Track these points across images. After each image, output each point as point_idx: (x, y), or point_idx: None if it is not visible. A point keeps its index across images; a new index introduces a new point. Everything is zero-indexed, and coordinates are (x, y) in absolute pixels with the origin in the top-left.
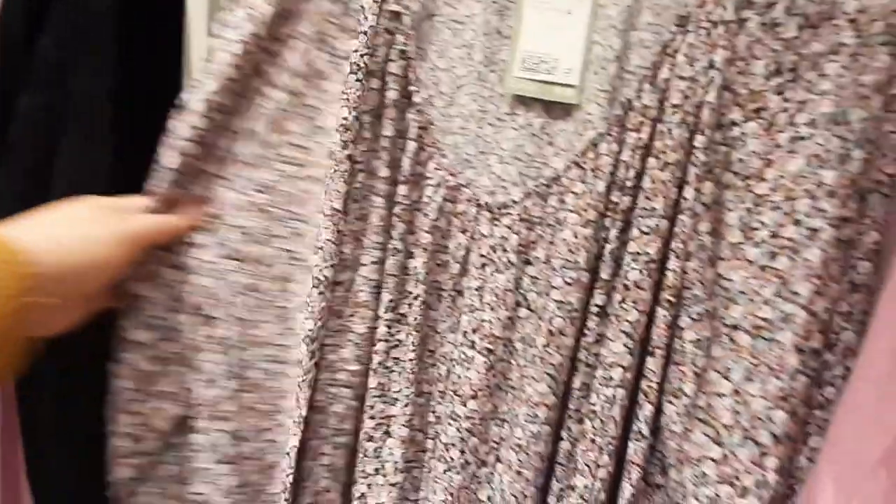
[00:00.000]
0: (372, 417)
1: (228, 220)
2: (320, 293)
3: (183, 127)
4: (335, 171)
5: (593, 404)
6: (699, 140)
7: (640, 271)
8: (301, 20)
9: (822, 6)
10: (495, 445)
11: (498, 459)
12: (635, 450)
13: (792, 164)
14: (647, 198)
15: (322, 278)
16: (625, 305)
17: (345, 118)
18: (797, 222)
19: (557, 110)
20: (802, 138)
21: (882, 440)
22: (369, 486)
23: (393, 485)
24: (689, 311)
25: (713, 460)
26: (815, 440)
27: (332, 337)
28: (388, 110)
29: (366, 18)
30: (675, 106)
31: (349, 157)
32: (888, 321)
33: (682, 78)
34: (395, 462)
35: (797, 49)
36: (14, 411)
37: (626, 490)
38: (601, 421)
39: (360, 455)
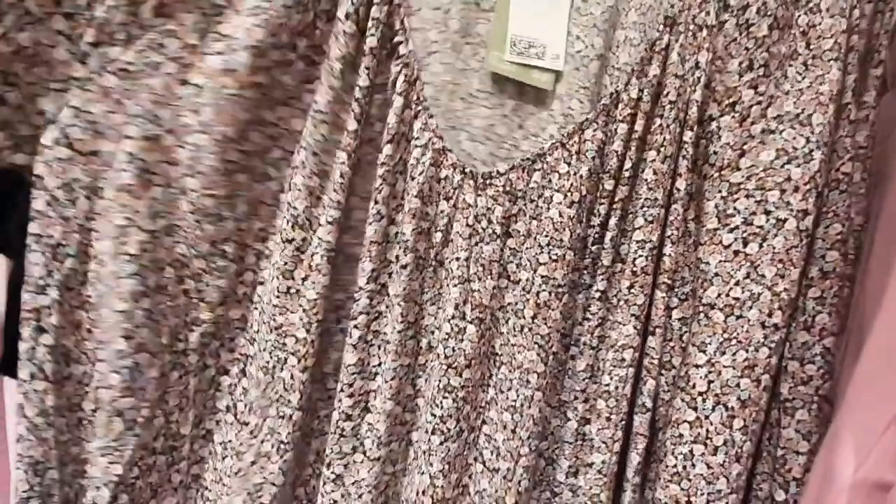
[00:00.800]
0: (351, 396)
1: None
2: (282, 249)
3: None
4: (232, 94)
5: (606, 385)
6: (688, 135)
7: (646, 258)
8: None
9: (785, 10)
10: (481, 410)
11: (483, 422)
12: (640, 422)
13: (764, 154)
14: (650, 188)
15: (288, 238)
16: (634, 290)
17: (260, 39)
18: (767, 212)
19: (530, 94)
20: (772, 132)
21: (892, 406)
22: (346, 465)
23: (374, 460)
24: (677, 293)
25: (688, 423)
26: (801, 411)
27: (280, 298)
28: (366, 56)
29: None
30: (671, 102)
31: (326, 111)
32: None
33: (676, 76)
34: (378, 437)
35: (768, 47)
36: None
37: (634, 459)
38: (616, 400)
39: (336, 436)
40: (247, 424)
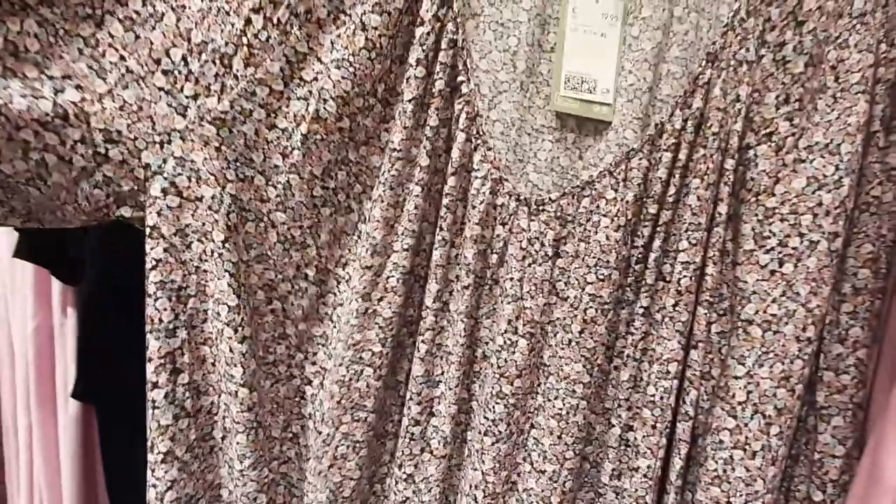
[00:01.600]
0: (418, 403)
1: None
2: (360, 277)
3: None
4: (321, 139)
5: (651, 395)
6: (729, 163)
7: (690, 277)
8: None
9: (819, 49)
10: (530, 415)
11: (532, 426)
12: (683, 429)
13: (796, 182)
14: (694, 213)
15: (367, 265)
16: (678, 308)
17: (345, 89)
18: (801, 235)
19: (589, 127)
20: (803, 161)
21: None
22: (416, 465)
23: (440, 458)
24: (716, 309)
25: (728, 430)
26: (836, 417)
27: (358, 318)
28: (436, 98)
29: (422, 22)
30: (714, 133)
31: (397, 147)
32: None
33: (718, 109)
34: (443, 438)
35: (803, 82)
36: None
37: (677, 464)
38: (661, 409)
39: (406, 440)
40: (321, 433)
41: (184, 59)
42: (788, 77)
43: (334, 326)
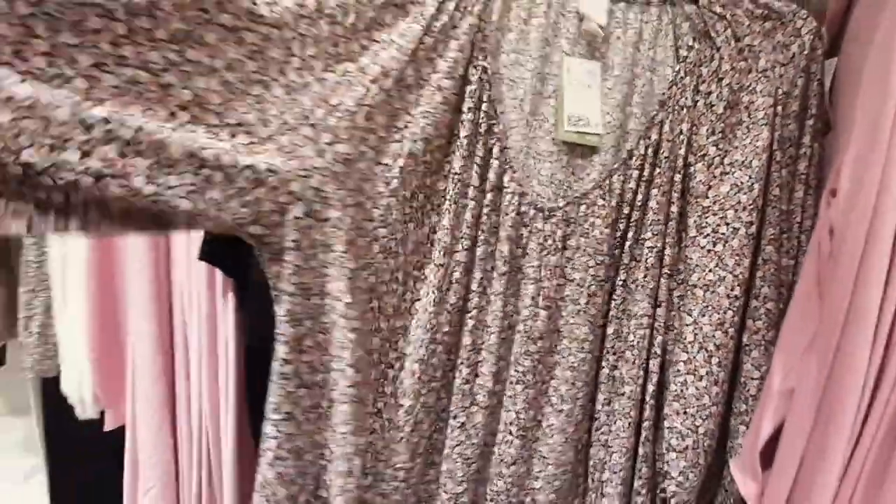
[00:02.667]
0: (468, 367)
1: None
2: (433, 272)
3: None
4: (412, 169)
5: (631, 342)
6: (677, 176)
7: (654, 257)
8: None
9: (734, 96)
10: (550, 369)
11: (552, 377)
12: (654, 364)
13: (723, 188)
14: (655, 213)
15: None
16: (647, 279)
17: (430, 133)
18: (727, 224)
19: (578, 152)
20: (727, 173)
21: (804, 337)
22: (467, 415)
23: (484, 408)
24: (675, 279)
25: (683, 362)
26: (753, 351)
27: (434, 306)
28: (480, 137)
29: (469, 82)
30: (665, 157)
31: (439, 166)
32: (805, 274)
33: (668, 140)
34: (487, 392)
35: (724, 119)
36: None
37: (650, 388)
38: (638, 350)
39: (458, 396)
40: (402, 406)
41: (324, 115)
42: (714, 116)
43: (412, 318)
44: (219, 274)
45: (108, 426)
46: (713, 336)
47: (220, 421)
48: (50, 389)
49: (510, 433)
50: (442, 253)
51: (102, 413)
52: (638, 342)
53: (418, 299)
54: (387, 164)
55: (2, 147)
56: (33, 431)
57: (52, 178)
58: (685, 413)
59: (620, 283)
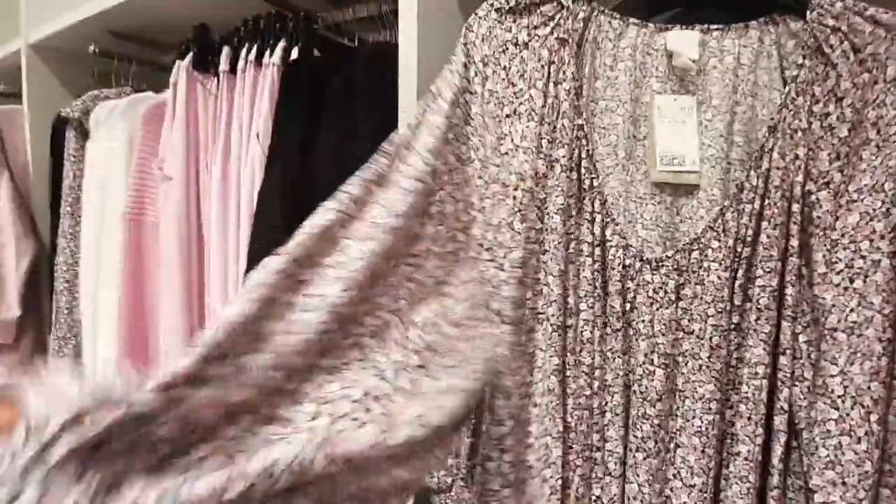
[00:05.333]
0: (596, 432)
1: (502, 292)
2: (559, 335)
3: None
4: (559, 242)
5: (745, 393)
6: (794, 206)
7: (768, 298)
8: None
9: (857, 116)
10: (673, 435)
11: (677, 445)
12: (780, 421)
13: (850, 218)
14: (766, 248)
15: (559, 324)
16: (759, 322)
17: (561, 204)
18: (863, 257)
19: (681, 191)
20: (854, 201)
21: None
22: (602, 487)
23: (618, 477)
24: (801, 322)
25: (833, 420)
26: None
27: (571, 369)
28: (586, 192)
29: (566, 131)
30: (776, 186)
31: (567, 232)
32: None
33: (778, 168)
34: (619, 458)
35: (848, 143)
36: None
37: (777, 450)
38: (753, 404)
39: (589, 463)
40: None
41: (494, 236)
42: (836, 139)
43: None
44: None
45: None
46: (868, 388)
47: None
48: None
49: None
50: (572, 315)
51: None
52: (753, 394)
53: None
54: (547, 250)
55: None
56: None
57: None
58: (843, 484)
59: (733, 326)
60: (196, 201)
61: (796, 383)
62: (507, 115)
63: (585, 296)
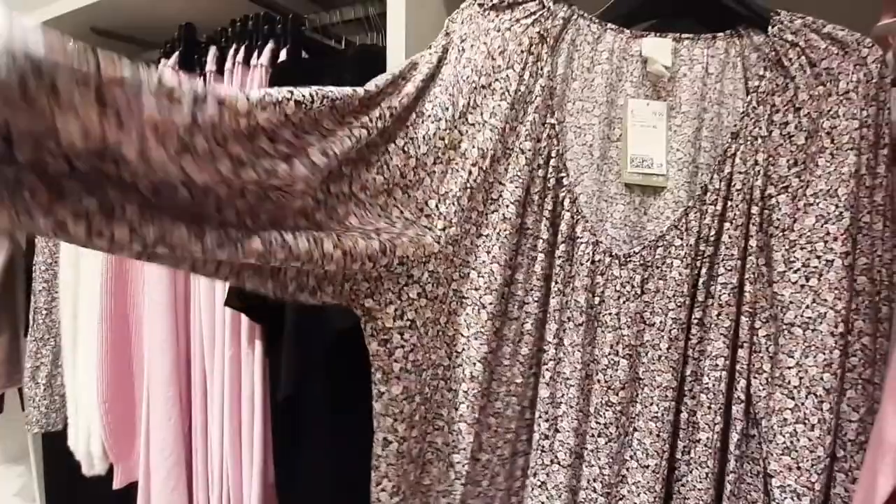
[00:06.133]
0: (546, 421)
1: (428, 265)
2: (492, 323)
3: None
4: (510, 233)
5: (706, 384)
6: (754, 209)
7: (728, 294)
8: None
9: (814, 125)
10: (632, 420)
11: (635, 429)
12: (737, 410)
13: (807, 220)
14: (727, 248)
15: (495, 313)
16: (721, 317)
17: (519, 195)
18: (818, 257)
19: (650, 192)
20: (812, 204)
21: None
22: (547, 474)
23: (567, 466)
24: (760, 317)
25: (790, 409)
26: (850, 391)
27: (508, 359)
28: (550, 190)
29: (538, 139)
30: (738, 190)
31: (521, 224)
32: None
33: (740, 172)
34: (568, 449)
35: (805, 150)
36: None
37: (734, 437)
38: (713, 394)
39: (538, 453)
40: (479, 460)
41: (436, 205)
42: (794, 147)
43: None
44: (244, 320)
45: (118, 484)
46: (821, 379)
47: (242, 479)
48: (50, 438)
49: (594, 490)
50: (516, 306)
51: (110, 469)
52: (713, 384)
53: (494, 350)
54: (487, 235)
55: None
56: (31, 481)
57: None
58: (798, 468)
59: (696, 321)
60: None
61: (755, 375)
62: (483, 87)
63: (532, 290)
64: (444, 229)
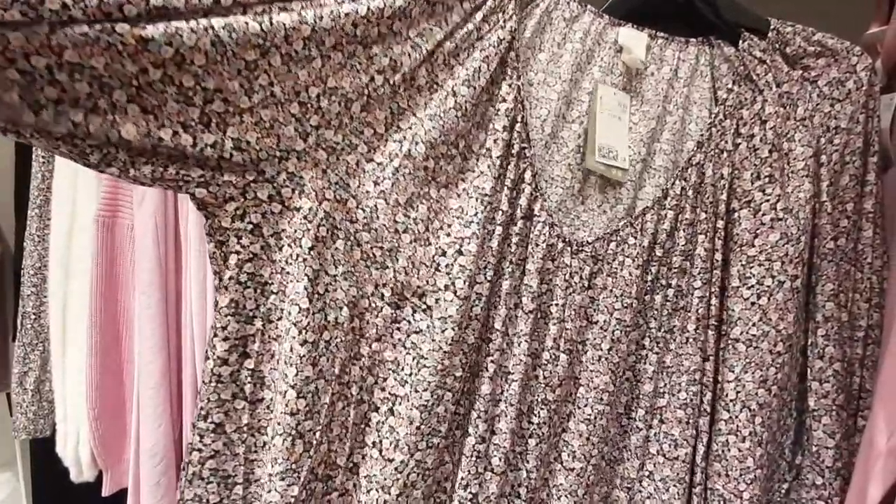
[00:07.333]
0: (485, 421)
1: (287, 166)
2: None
3: None
4: (409, 172)
5: (683, 399)
6: (720, 223)
7: (705, 307)
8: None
9: (779, 140)
10: (563, 420)
11: (564, 430)
12: (703, 422)
13: (772, 236)
14: (703, 260)
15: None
16: (698, 331)
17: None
18: (773, 276)
19: (591, 182)
20: (779, 219)
21: None
22: (480, 484)
23: (500, 475)
24: (720, 330)
25: (724, 420)
26: (824, 417)
27: (450, 345)
28: (513, 158)
29: (504, 100)
30: (706, 201)
31: (478, 189)
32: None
33: (710, 184)
34: (503, 454)
35: (770, 164)
36: None
37: (701, 450)
38: (691, 409)
39: (471, 459)
40: (392, 461)
41: (317, 96)
42: (759, 160)
43: (408, 353)
44: None
45: (107, 491)
46: (756, 394)
47: None
48: (38, 445)
49: (518, 496)
50: (467, 283)
51: (99, 476)
52: (691, 399)
53: (418, 331)
54: (379, 163)
55: None
56: (19, 488)
57: None
58: (727, 475)
59: (654, 332)
60: (174, 203)
61: (721, 387)
62: (424, 2)
63: (487, 267)
64: (317, 127)
